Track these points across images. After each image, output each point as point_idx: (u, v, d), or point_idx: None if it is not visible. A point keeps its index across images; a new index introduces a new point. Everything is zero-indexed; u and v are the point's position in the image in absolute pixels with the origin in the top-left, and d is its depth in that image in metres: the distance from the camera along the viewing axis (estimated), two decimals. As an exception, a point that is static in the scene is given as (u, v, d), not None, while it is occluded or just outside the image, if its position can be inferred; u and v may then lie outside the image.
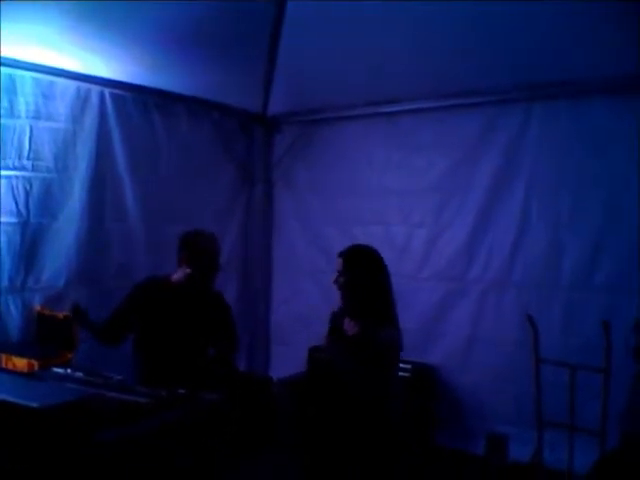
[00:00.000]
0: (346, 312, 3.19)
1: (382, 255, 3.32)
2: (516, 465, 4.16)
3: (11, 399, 2.13)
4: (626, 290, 4.20)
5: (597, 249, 4.37)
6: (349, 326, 3.11)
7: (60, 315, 3.97)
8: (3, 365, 3.63)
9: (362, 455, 3.01)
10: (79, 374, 3.00)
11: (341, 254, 3.27)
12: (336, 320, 3.19)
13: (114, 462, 2.17)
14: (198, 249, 3.65)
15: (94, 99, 4.46)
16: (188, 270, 3.59)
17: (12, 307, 4.05)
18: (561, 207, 4.51)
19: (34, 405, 2.06)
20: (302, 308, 5.68)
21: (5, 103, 3.94)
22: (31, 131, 4.09)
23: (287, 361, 5.44)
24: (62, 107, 4.27)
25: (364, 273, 3.18)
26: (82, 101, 4.39)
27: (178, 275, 3.63)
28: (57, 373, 3.03)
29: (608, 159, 4.30)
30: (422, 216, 5.08)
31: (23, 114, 4.05)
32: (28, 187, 4.09)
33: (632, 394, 3.19)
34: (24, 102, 4.06)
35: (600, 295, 4.31)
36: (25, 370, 3.48)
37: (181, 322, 3.56)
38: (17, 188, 4.04)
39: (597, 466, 3.08)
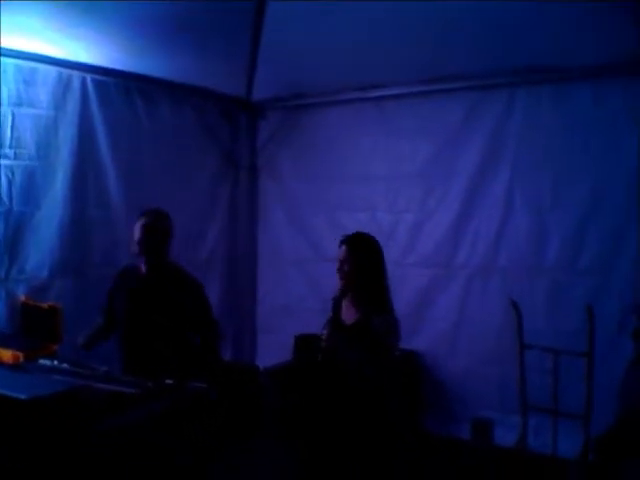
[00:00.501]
0: (346, 300, 3.17)
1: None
2: (501, 449, 4.20)
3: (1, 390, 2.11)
4: (610, 273, 4.26)
5: (580, 233, 4.41)
6: (348, 314, 3.11)
7: (45, 306, 3.93)
8: (-12, 356, 3.59)
9: (361, 444, 3.02)
10: (65, 365, 2.98)
11: (345, 242, 3.19)
12: (335, 308, 3.16)
13: (104, 453, 2.17)
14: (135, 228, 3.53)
15: (76, 85, 4.41)
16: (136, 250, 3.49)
17: (-5, 298, 4.01)
18: (544, 192, 4.54)
19: (22, 397, 2.04)
20: (288, 296, 5.69)
21: (-13, 90, 3.89)
22: (13, 118, 4.04)
23: (273, 350, 5.44)
24: (44, 93, 4.22)
25: (369, 260, 3.15)
26: (64, 87, 4.34)
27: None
28: (43, 365, 3.01)
29: (591, 144, 4.33)
30: (408, 202, 5.09)
31: (5, 101, 3.99)
32: (10, 175, 4.04)
33: (628, 374, 3.24)
34: (6, 89, 4.00)
35: (584, 279, 4.36)
36: (10, 362, 3.44)
37: (151, 309, 3.48)
38: (-1, 177, 3.98)
39: (597, 442, 3.13)
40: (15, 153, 4.07)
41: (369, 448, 3.02)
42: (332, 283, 4.68)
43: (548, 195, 4.52)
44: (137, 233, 3.48)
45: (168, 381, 2.76)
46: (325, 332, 3.10)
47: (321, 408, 3.12)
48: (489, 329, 4.64)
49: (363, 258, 3.14)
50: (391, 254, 4.86)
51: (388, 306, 3.14)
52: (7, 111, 4.01)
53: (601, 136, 4.29)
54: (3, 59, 3.96)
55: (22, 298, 4.07)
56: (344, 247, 3.17)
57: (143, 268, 3.56)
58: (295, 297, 5.58)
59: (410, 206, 5.08)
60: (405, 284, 4.91)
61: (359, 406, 3.03)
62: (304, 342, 5.04)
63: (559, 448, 3.91)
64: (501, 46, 4.28)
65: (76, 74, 4.41)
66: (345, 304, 3.16)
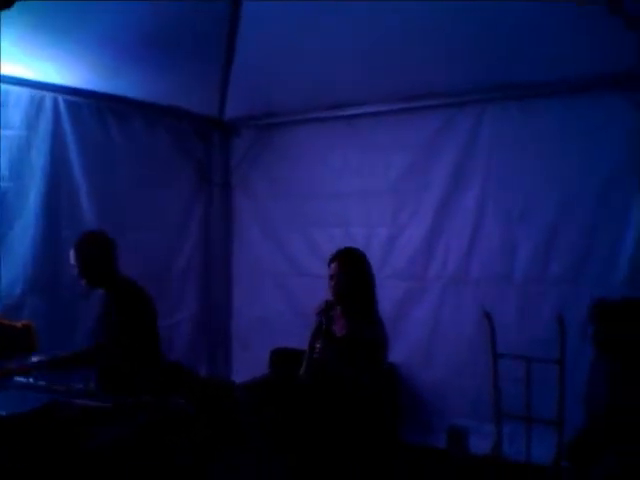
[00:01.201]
0: (336, 312, 3.21)
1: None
2: (477, 457, 4.25)
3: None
4: (579, 282, 4.35)
5: (549, 244, 4.49)
6: (338, 326, 3.16)
7: (18, 324, 3.90)
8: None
9: (358, 452, 3.05)
10: (42, 382, 2.97)
11: (335, 259, 3.27)
12: (322, 320, 3.20)
13: (84, 468, 2.17)
14: None
15: (48, 106, 4.43)
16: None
17: (-31, 317, 3.97)
18: (514, 204, 4.63)
19: (1, 413, 2.04)
20: (263, 312, 5.70)
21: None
22: (-15, 139, 4.04)
23: (249, 365, 5.44)
24: (16, 115, 4.24)
25: (359, 274, 3.23)
26: (36, 108, 4.36)
27: None
28: (19, 382, 3.00)
29: (559, 157, 4.43)
30: (381, 216, 5.15)
31: (-23, 123, 4.00)
32: (-17, 196, 4.03)
33: (591, 379, 3.32)
34: (-22, 111, 4.00)
35: (554, 288, 4.45)
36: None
37: (100, 331, 3.51)
38: (-28, 197, 3.98)
39: (568, 448, 3.19)
40: (-13, 173, 4.07)
41: (366, 455, 3.05)
42: (308, 297, 4.75)
43: (518, 207, 4.61)
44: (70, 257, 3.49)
45: (145, 397, 2.77)
46: (318, 345, 3.13)
47: (316, 420, 3.13)
48: (463, 339, 4.70)
49: (353, 272, 3.21)
50: (366, 267, 4.98)
51: (377, 317, 3.20)
52: (-21, 133, 4.02)
53: (571, 149, 4.39)
54: (-25, 81, 3.98)
55: (-5, 317, 4.04)
56: (334, 264, 3.24)
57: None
58: (271, 312, 5.60)
59: (383, 220, 5.14)
60: (380, 296, 4.93)
61: (357, 415, 3.06)
62: (280, 356, 5.06)
63: (533, 454, 3.97)
64: (470, 64, 4.39)
65: (48, 95, 4.42)
66: (335, 316, 3.21)
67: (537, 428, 4.00)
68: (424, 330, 4.93)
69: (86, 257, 3.45)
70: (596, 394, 3.20)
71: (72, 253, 3.48)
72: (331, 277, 3.25)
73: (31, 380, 3.13)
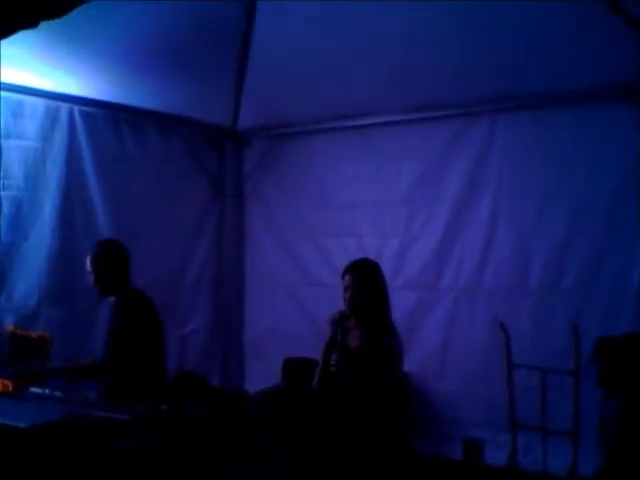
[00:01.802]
0: (350, 323, 3.21)
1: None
2: (492, 468, 4.23)
3: (-4, 420, 2.11)
4: (593, 294, 4.34)
5: (564, 254, 4.48)
6: (352, 337, 3.16)
7: (33, 335, 3.93)
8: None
9: (370, 464, 3.04)
10: (57, 393, 2.99)
11: (349, 270, 3.27)
12: (337, 331, 3.19)
13: (104, 478, 2.18)
14: None
15: (63, 117, 4.46)
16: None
17: (-16, 327, 4.00)
18: (527, 215, 4.62)
19: (21, 425, 2.05)
20: (276, 321, 5.70)
21: (-25, 123, 3.93)
22: (1, 150, 4.08)
23: (262, 375, 5.44)
24: (32, 126, 4.28)
25: (373, 285, 3.23)
26: (51, 119, 4.40)
27: None
28: (35, 393, 3.01)
29: (572, 168, 4.42)
30: (393, 227, 5.15)
31: (-7, 133, 4.04)
32: (-1, 206, 4.07)
33: (602, 417, 3.31)
34: (-6, 121, 4.04)
35: (568, 299, 4.42)
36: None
37: (110, 339, 3.52)
38: (-12, 207, 4.01)
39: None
40: (3, 184, 4.12)
41: (379, 465, 3.04)
42: (320, 307, 4.76)
43: (531, 218, 4.60)
44: (87, 264, 3.54)
45: (163, 406, 2.78)
46: (334, 357, 3.12)
47: (329, 430, 3.12)
48: (476, 350, 4.69)
49: (368, 283, 3.21)
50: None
51: (392, 327, 3.20)
52: (-5, 143, 4.05)
53: (582, 160, 4.38)
54: (-9, 92, 4.02)
55: (10, 327, 4.07)
56: (348, 275, 3.23)
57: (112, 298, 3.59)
58: (283, 322, 5.60)
59: (395, 231, 5.14)
60: (393, 307, 4.95)
61: (371, 425, 3.05)
62: (293, 366, 5.05)
63: (548, 465, 3.96)
64: (482, 75, 4.40)
65: (64, 106, 4.46)
66: (349, 327, 3.21)
67: (552, 439, 3.98)
68: (437, 340, 4.92)
69: (103, 265, 3.51)
70: (608, 432, 3.18)
71: (89, 260, 3.52)
72: (346, 289, 3.24)
73: (47, 391, 3.15)
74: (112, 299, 3.60)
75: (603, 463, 3.20)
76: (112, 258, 3.55)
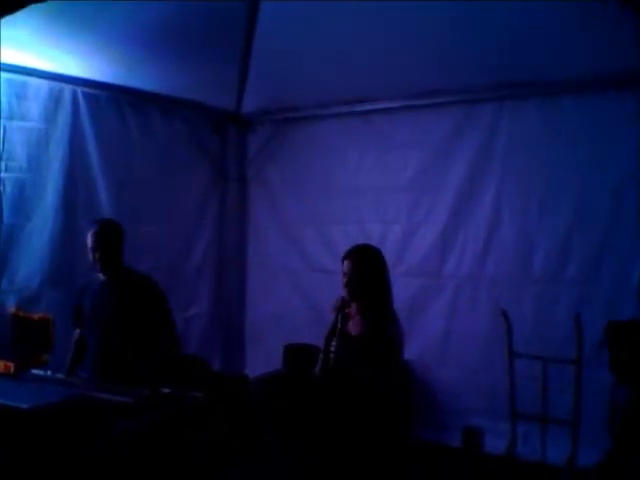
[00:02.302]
0: (351, 310, 3.20)
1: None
2: (491, 457, 4.25)
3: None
4: (595, 284, 4.33)
5: (567, 244, 4.47)
6: (353, 324, 3.15)
7: (35, 317, 3.93)
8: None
9: (369, 451, 3.05)
10: (59, 375, 2.99)
11: (349, 256, 3.22)
12: (338, 317, 3.17)
13: (106, 461, 2.18)
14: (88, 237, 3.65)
15: (67, 98, 4.44)
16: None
17: (-14, 309, 4.00)
18: (531, 203, 4.61)
19: (23, 406, 2.05)
20: (277, 306, 5.70)
21: (-22, 104, 3.91)
22: (4, 131, 4.07)
23: (263, 360, 5.45)
24: (35, 107, 4.25)
25: (373, 271, 3.19)
26: (55, 101, 4.37)
27: None
28: (37, 375, 3.02)
29: (576, 157, 4.41)
30: (396, 213, 5.14)
31: (-4, 114, 4.02)
32: (1, 188, 4.07)
33: (612, 402, 3.31)
34: (-3, 102, 4.02)
35: (570, 289, 4.42)
36: (1, 372, 3.44)
37: (108, 315, 3.58)
38: (-10, 189, 4.00)
39: (596, 470, 3.17)
40: (6, 166, 4.10)
41: (379, 452, 3.05)
42: (322, 294, 4.75)
43: (535, 207, 4.59)
44: (89, 241, 3.59)
45: (164, 390, 2.78)
46: (333, 343, 3.11)
47: (329, 417, 3.12)
48: (477, 338, 4.69)
49: (367, 269, 3.18)
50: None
51: (393, 315, 3.18)
52: (-1, 124, 4.03)
53: (587, 149, 4.37)
54: (-5, 73, 3.99)
55: (12, 309, 4.07)
56: (347, 261, 3.20)
57: (101, 276, 3.64)
58: (284, 307, 5.60)
59: (399, 217, 5.14)
60: (395, 294, 4.94)
61: (371, 412, 3.05)
62: (293, 352, 5.06)
63: (548, 455, 3.96)
64: (488, 61, 4.36)
65: (67, 87, 4.44)
66: (350, 314, 3.19)
67: (552, 428, 3.99)
68: (439, 328, 4.92)
69: (107, 243, 3.58)
70: (618, 418, 3.17)
71: (92, 238, 3.56)
72: (344, 274, 3.21)
73: (49, 373, 3.17)
74: (102, 278, 3.64)
75: (610, 449, 3.19)
76: (116, 236, 3.64)
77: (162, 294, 3.72)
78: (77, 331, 3.79)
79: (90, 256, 3.58)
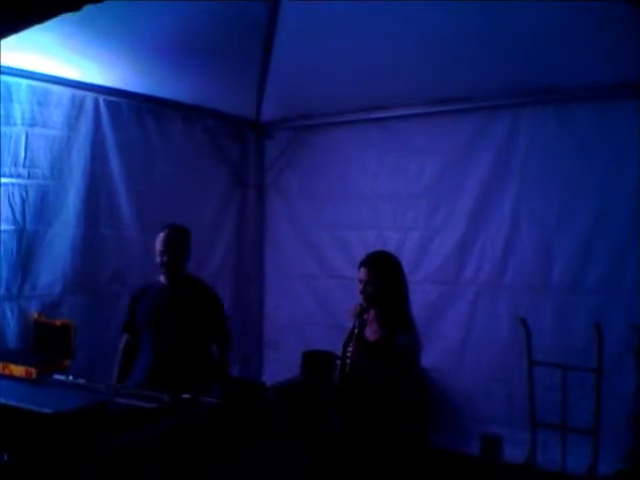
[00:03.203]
0: (368, 317, 3.20)
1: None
2: (510, 466, 4.22)
3: (23, 405, 2.14)
4: (616, 291, 4.30)
5: (586, 252, 4.44)
6: (370, 331, 3.15)
7: (57, 322, 3.98)
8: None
9: (386, 459, 3.05)
10: (81, 381, 3.02)
11: (365, 263, 3.22)
12: (355, 323, 3.17)
13: (127, 466, 2.20)
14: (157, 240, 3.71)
15: (89, 106, 4.48)
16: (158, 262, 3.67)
17: (9, 314, 4.05)
18: (550, 211, 4.59)
19: (47, 411, 2.08)
20: (295, 313, 5.72)
21: (1, 111, 3.96)
22: (27, 138, 4.11)
23: (280, 367, 5.48)
24: (57, 114, 4.29)
25: (390, 279, 3.19)
26: (77, 108, 4.41)
27: None
28: (59, 380, 3.05)
29: (596, 164, 4.38)
30: (414, 220, 5.14)
31: (19, 121, 4.07)
32: (24, 194, 4.10)
33: (637, 397, 3.28)
34: (20, 109, 4.07)
35: (590, 297, 4.39)
36: (23, 377, 3.47)
37: (175, 319, 3.62)
38: (13, 195, 4.05)
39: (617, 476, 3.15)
40: (29, 172, 4.14)
41: (396, 460, 3.05)
42: (339, 300, 4.76)
43: (554, 214, 4.57)
44: (159, 245, 3.66)
45: (185, 395, 2.80)
46: (350, 349, 3.11)
47: (346, 424, 3.13)
48: (496, 345, 4.67)
49: (384, 277, 3.17)
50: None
51: (410, 323, 3.18)
52: (21, 131, 4.08)
53: (606, 156, 4.34)
54: (17, 80, 4.04)
55: (34, 315, 4.12)
56: (364, 268, 3.20)
57: (164, 280, 3.71)
58: (302, 314, 5.62)
59: (417, 224, 5.13)
60: (413, 300, 4.92)
61: (387, 419, 3.05)
62: (312, 359, 5.07)
63: (568, 464, 3.94)
64: (505, 68, 4.36)
65: (89, 95, 4.48)
66: (368, 320, 3.20)
67: (572, 438, 3.96)
68: (457, 335, 4.91)
69: (175, 246, 3.69)
70: None
71: (164, 242, 3.65)
72: (360, 281, 3.20)
73: (70, 378, 3.20)
74: (162, 282, 3.71)
75: (632, 455, 3.16)
76: (184, 241, 3.77)
77: (221, 302, 3.84)
78: (125, 337, 3.82)
79: (158, 260, 3.66)
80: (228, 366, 3.90)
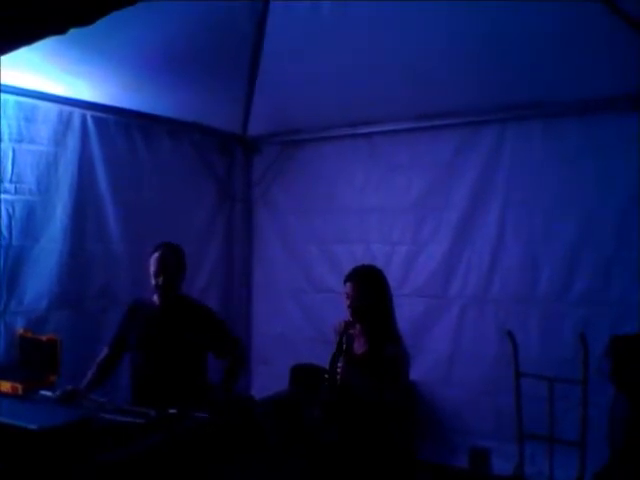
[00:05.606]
0: (355, 330, 3.21)
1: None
2: (499, 478, 4.23)
3: (8, 421, 2.13)
4: (601, 303, 4.33)
5: (571, 264, 4.47)
6: (357, 345, 3.16)
7: (43, 338, 3.95)
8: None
9: (376, 472, 3.05)
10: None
11: (350, 278, 3.26)
12: (342, 339, 3.18)
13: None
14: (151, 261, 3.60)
15: (76, 122, 4.48)
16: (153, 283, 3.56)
17: (-6, 330, 4.02)
18: (535, 224, 4.62)
19: (33, 427, 2.07)
20: (283, 327, 5.72)
21: (-12, 126, 3.96)
22: (14, 154, 4.11)
23: (269, 381, 5.46)
24: (45, 130, 4.29)
25: (375, 293, 3.22)
26: (64, 124, 4.41)
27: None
28: (45, 396, 3.03)
29: (580, 178, 4.42)
30: (401, 234, 5.16)
31: (6, 137, 4.06)
32: (11, 210, 4.09)
33: (611, 416, 3.31)
34: (7, 125, 4.07)
35: (576, 309, 4.42)
36: (9, 393, 3.45)
37: (164, 340, 3.53)
38: (0, 211, 4.04)
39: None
40: (15, 188, 4.13)
41: (385, 473, 3.05)
42: (328, 314, 4.76)
43: (539, 227, 4.60)
44: (153, 266, 3.54)
45: (171, 410, 2.80)
46: (340, 364, 3.12)
47: (337, 439, 3.13)
48: (483, 358, 4.68)
49: (369, 291, 3.20)
50: (386, 285, 4.99)
51: (396, 335, 3.20)
52: (8, 147, 4.08)
53: (591, 170, 4.38)
54: (4, 96, 4.03)
55: (20, 331, 4.09)
56: (349, 282, 3.23)
57: (157, 300, 3.62)
58: (290, 328, 5.62)
59: (404, 238, 5.15)
60: (400, 314, 4.92)
61: (377, 433, 3.05)
62: (300, 373, 5.06)
63: (555, 475, 3.95)
64: (491, 83, 4.40)
65: (77, 111, 4.48)
66: (354, 335, 3.21)
67: (559, 449, 3.97)
68: (444, 348, 4.91)
69: (170, 267, 3.56)
70: (617, 431, 3.18)
71: (159, 262, 3.52)
72: (347, 296, 3.24)
73: (56, 393, 3.18)
74: (157, 303, 3.61)
75: (609, 458, 3.19)
76: (179, 261, 3.63)
77: (219, 318, 3.73)
78: (105, 350, 3.70)
79: (153, 281, 3.53)
80: (231, 390, 3.69)
